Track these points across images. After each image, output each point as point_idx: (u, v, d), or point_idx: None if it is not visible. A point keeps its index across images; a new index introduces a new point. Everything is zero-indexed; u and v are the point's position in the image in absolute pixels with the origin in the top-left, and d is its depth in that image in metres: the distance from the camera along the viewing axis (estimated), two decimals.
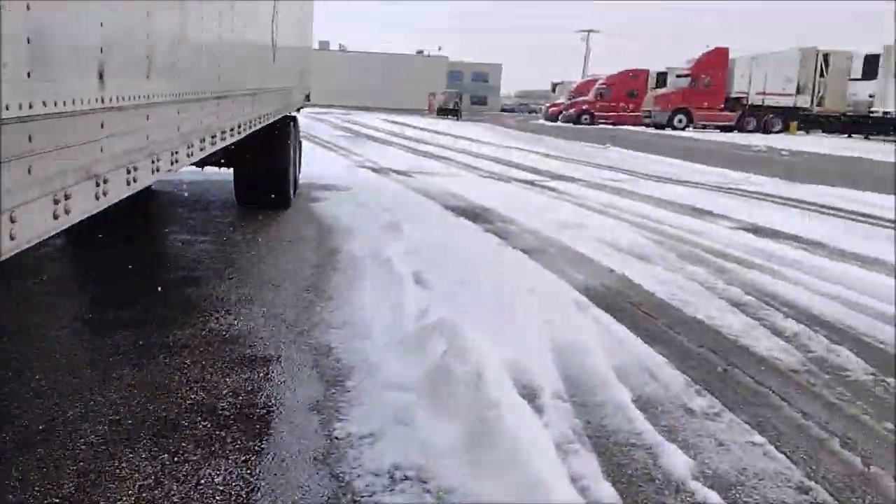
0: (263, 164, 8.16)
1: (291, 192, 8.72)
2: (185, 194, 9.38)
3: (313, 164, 12.36)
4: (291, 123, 8.66)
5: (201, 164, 8.34)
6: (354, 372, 3.62)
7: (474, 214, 8.74)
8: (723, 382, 3.72)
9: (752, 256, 6.85)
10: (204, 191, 9.64)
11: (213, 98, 2.95)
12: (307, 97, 11.59)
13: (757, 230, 8.27)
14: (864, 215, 9.90)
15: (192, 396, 3.27)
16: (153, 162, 2.49)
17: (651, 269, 6.13)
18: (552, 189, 11.51)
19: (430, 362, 3.54)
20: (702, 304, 5.12)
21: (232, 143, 7.83)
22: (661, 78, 47.76)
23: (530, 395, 3.39)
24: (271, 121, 6.18)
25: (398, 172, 13.01)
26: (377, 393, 3.33)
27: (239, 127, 3.84)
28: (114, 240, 6.38)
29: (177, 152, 2.35)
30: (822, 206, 10.60)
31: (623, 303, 5.12)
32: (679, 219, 8.91)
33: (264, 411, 3.16)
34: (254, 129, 4.80)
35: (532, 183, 12.32)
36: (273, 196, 8.35)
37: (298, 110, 10.97)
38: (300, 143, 10.40)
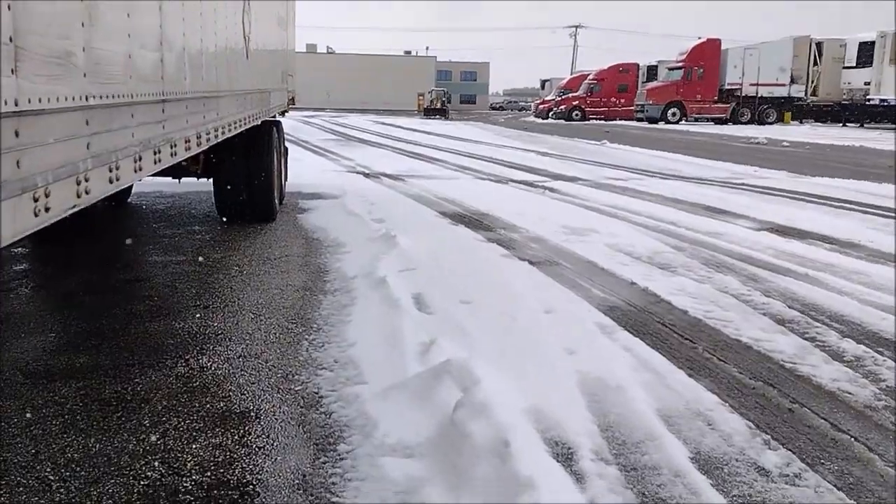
0: (244, 174, 7.51)
1: (276, 202, 8.08)
2: (166, 208, 8.72)
3: (301, 170, 11.72)
4: (274, 128, 8.01)
5: (177, 175, 7.72)
6: (348, 431, 2.98)
7: (473, 221, 8.11)
8: (792, 428, 3.09)
9: (783, 261, 6.24)
10: (186, 204, 8.99)
11: (154, 102, 2.35)
12: (291, 100, 10.94)
13: (780, 230, 7.66)
14: (888, 209, 9.31)
15: (149, 474, 2.62)
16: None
17: (676, 281, 5.51)
18: (553, 190, 10.89)
19: (441, 417, 2.91)
20: (743, 323, 4.50)
21: (201, 153, 7.24)
22: (653, 71, 47.29)
23: (566, 457, 2.76)
24: (245, 127, 5.52)
25: (390, 177, 12.37)
26: (377, 462, 2.69)
27: (198, 137, 3.20)
28: (77, 264, 5.72)
29: (87, 179, 1.75)
30: (842, 201, 10.01)
31: (653, 324, 4.50)
32: (694, 219, 8.30)
33: (237, 494, 2.51)
34: (220, 138, 4.17)
35: (531, 184, 11.69)
36: (256, 208, 7.70)
37: (283, 114, 10.32)
38: (286, 149, 9.75)
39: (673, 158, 16.97)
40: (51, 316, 4.52)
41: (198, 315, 4.51)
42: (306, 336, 4.15)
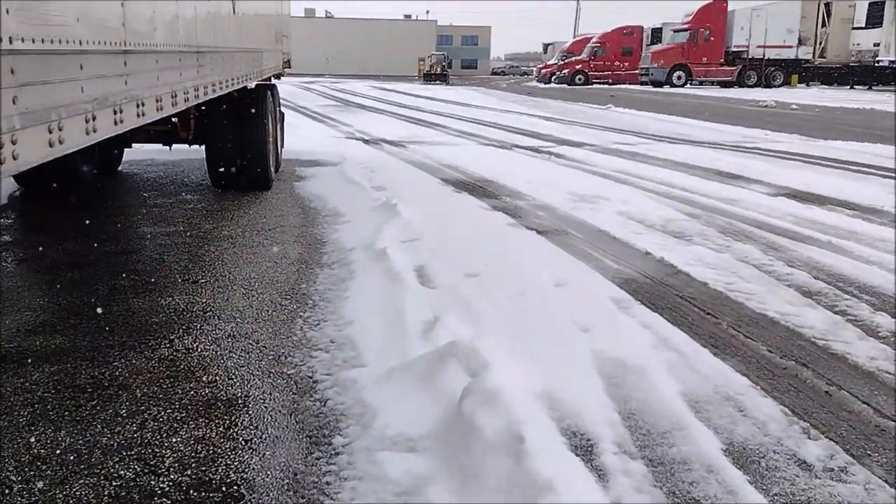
0: (238, 141, 7.18)
1: (272, 170, 7.75)
2: (157, 176, 8.40)
3: (299, 137, 11.38)
4: (269, 92, 7.65)
5: (168, 142, 7.39)
6: (345, 421, 2.71)
7: (477, 189, 7.78)
8: (832, 414, 2.82)
9: (804, 228, 5.94)
10: (179, 172, 8.66)
11: (112, 53, 2.03)
12: (287, 63, 10.54)
13: (798, 196, 7.34)
14: None
15: (122, 473, 2.35)
16: None
17: (693, 251, 5.21)
18: (559, 156, 10.53)
19: (447, 406, 2.63)
20: (767, 296, 4.21)
21: (191, 118, 6.90)
22: (657, 34, 46.37)
23: (586, 450, 2.49)
24: (232, 88, 5.17)
25: (391, 143, 12.00)
26: (376, 458, 2.42)
27: (174, 97, 2.87)
28: (62, 235, 5.42)
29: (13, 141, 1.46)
30: (860, 165, 9.66)
31: (672, 297, 4.21)
32: (707, 185, 7.97)
33: (219, 496, 2.25)
34: (201, 98, 3.83)
35: (536, 150, 11.33)
36: (251, 176, 7.38)
37: (278, 77, 9.93)
38: (282, 114, 9.39)
39: (681, 122, 16.55)
40: (29, 292, 4.23)
41: (185, 291, 4.22)
42: (301, 313, 3.87)
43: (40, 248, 5.16)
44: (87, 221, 5.93)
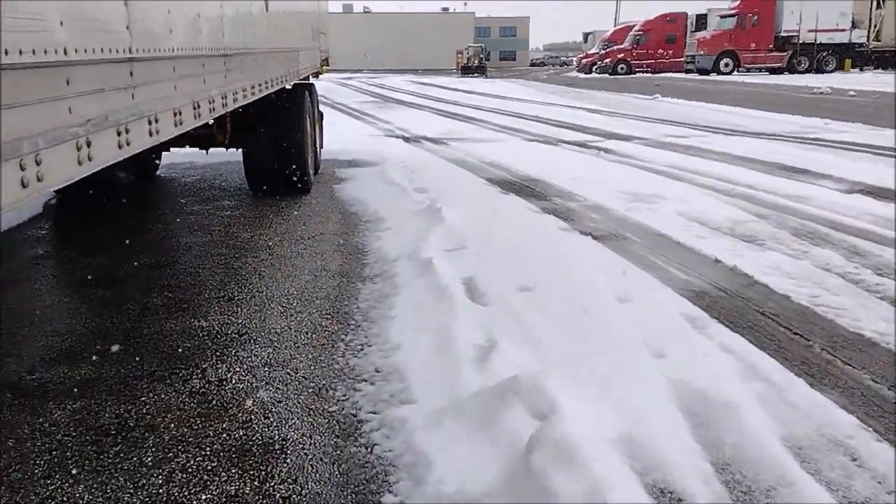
0: (275, 143, 6.91)
1: (311, 172, 7.48)
2: (195, 181, 8.21)
3: (338, 135, 11.09)
4: (307, 92, 7.36)
5: (205, 146, 7.16)
6: (395, 473, 2.38)
7: (524, 189, 7.40)
8: None
9: (886, 229, 5.42)
10: (217, 176, 8.46)
11: (115, 62, 1.73)
12: (325, 60, 10.27)
13: (874, 192, 6.78)
14: None
15: None
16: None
17: (768, 257, 4.76)
18: (608, 151, 10.06)
19: (512, 458, 2.29)
20: (860, 311, 3.76)
21: (228, 122, 6.65)
22: (702, 20, 45.07)
23: None
24: (265, 93, 4.87)
25: (431, 140, 11.67)
26: None
27: (196, 108, 2.53)
28: (96, 246, 5.21)
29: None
30: None
31: (752, 314, 3.79)
32: (772, 181, 7.45)
33: None
34: (228, 107, 3.52)
35: (584, 144, 10.87)
36: (289, 179, 7.11)
37: (316, 76, 9.67)
38: (321, 114, 9.11)
39: (733, 112, 15.86)
40: (57, 313, 4.00)
41: (220, 310, 3.95)
42: (342, 336, 3.56)
43: (72, 263, 4.95)
44: (122, 231, 5.72)
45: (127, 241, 5.42)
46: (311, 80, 8.85)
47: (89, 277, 4.57)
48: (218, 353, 3.37)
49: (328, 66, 10.62)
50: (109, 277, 4.56)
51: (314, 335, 3.58)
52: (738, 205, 6.34)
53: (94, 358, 3.31)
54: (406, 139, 11.90)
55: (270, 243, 5.37)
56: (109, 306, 4.02)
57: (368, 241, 5.37)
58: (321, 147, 9.02)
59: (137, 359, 3.30)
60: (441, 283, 4.14)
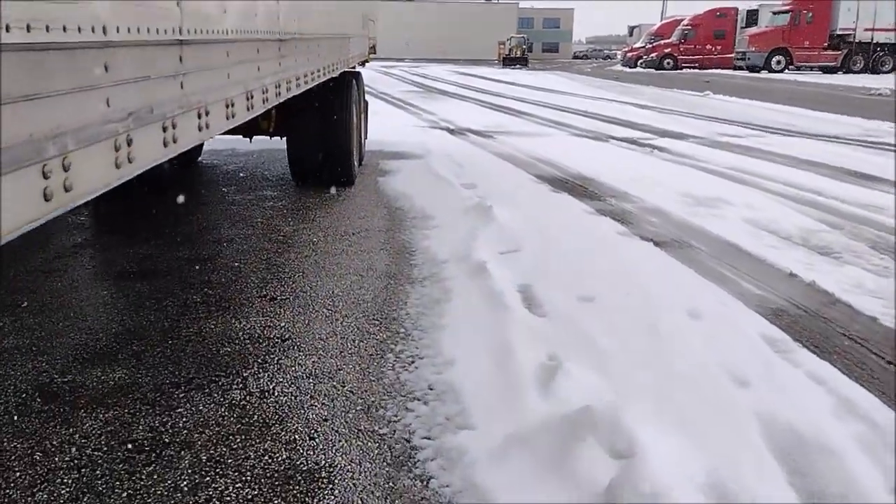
0: (320, 133, 6.70)
1: (356, 164, 7.25)
2: (237, 169, 8.05)
3: (382, 125, 10.87)
4: (353, 81, 7.13)
5: (248, 133, 6.97)
6: None
7: (577, 188, 7.08)
8: None
9: None
10: (260, 164, 8.30)
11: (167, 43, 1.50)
12: (373, 48, 10.03)
13: None
14: None
15: None
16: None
17: (847, 272, 4.40)
18: (662, 149, 9.66)
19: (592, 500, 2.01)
20: None
21: (272, 109, 6.45)
22: (752, 16, 43.91)
23: None
24: (318, 81, 4.63)
25: (477, 133, 11.38)
26: None
27: (230, 107, 2.25)
28: (136, 236, 5.05)
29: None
30: None
31: (837, 337, 3.45)
32: (841, 188, 7.01)
33: None
34: (282, 97, 3.29)
35: (635, 142, 10.48)
36: (333, 170, 6.90)
37: (363, 64, 9.43)
38: (366, 103, 8.89)
39: (789, 111, 15.25)
40: (93, 308, 3.83)
41: (262, 310, 3.73)
42: (391, 346, 3.31)
43: (111, 253, 4.79)
44: (162, 221, 5.56)
45: (167, 231, 5.25)
46: (358, 68, 8.63)
47: (128, 269, 4.40)
48: (260, 361, 3.15)
49: (375, 53, 10.39)
50: (149, 270, 4.38)
51: (361, 343, 3.34)
52: (808, 212, 5.94)
53: (129, 361, 3.11)
54: (451, 131, 11.63)
55: (314, 238, 5.15)
56: (147, 302, 3.83)
57: (416, 240, 5.12)
58: (366, 137, 8.80)
59: (175, 363, 3.10)
60: (496, 290, 3.88)
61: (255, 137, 7.35)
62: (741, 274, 4.39)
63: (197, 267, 4.45)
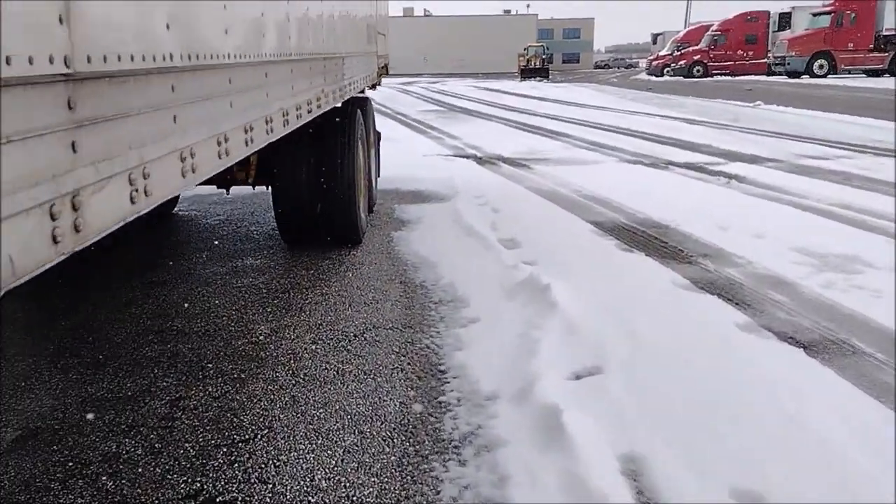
0: (315, 179, 5.13)
1: (363, 215, 5.64)
2: (218, 223, 6.50)
3: (399, 154, 9.29)
4: (358, 111, 5.52)
5: (225, 184, 5.40)
6: None
7: (652, 241, 5.41)
8: None
9: None
10: (247, 215, 6.75)
11: None
12: (384, 68, 8.45)
13: None
14: None
15: None
16: None
17: None
18: (739, 179, 7.93)
19: None
20: None
21: (252, 156, 4.85)
22: (785, 19, 41.98)
23: None
24: (282, 133, 3.00)
25: (510, 162, 9.74)
26: None
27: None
28: (41, 350, 3.47)
29: None
30: None
31: None
32: None
33: None
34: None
35: (701, 168, 8.77)
36: (333, 227, 5.32)
37: (373, 87, 7.86)
38: (378, 135, 7.29)
39: (861, 123, 13.41)
40: None
41: None
42: None
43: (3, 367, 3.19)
44: (85, 316, 3.99)
45: (95, 334, 3.66)
46: (367, 93, 7.06)
47: (11, 418, 2.80)
48: None
49: (387, 73, 8.81)
50: (36, 430, 2.78)
51: None
52: None
53: None
54: (479, 160, 10.00)
55: (295, 350, 3.53)
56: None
57: (445, 349, 3.49)
58: (378, 176, 7.20)
59: None
60: (583, 476, 2.25)
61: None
62: None
63: (106, 419, 2.84)
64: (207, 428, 2.78)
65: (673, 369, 3.13)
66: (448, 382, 3.14)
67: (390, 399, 3.00)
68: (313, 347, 3.57)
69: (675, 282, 4.41)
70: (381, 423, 2.79)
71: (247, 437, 2.71)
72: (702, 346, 3.40)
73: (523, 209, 6.64)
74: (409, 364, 3.35)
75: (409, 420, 2.81)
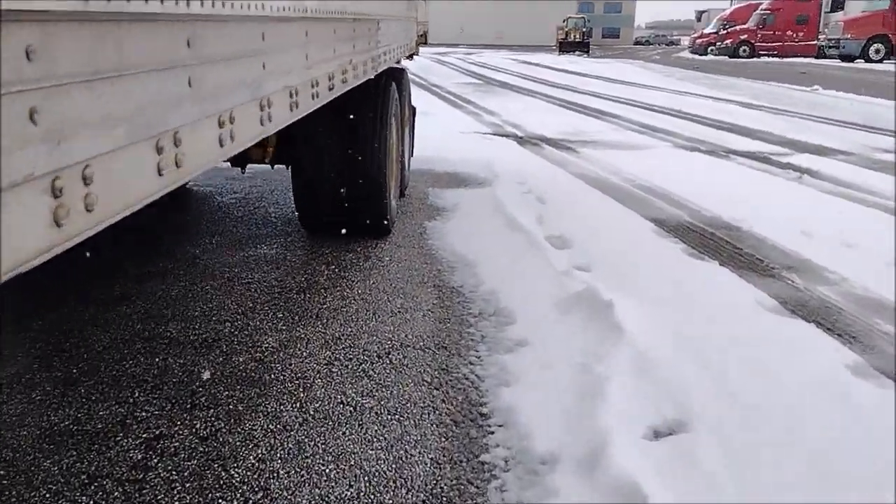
0: (341, 160, 4.49)
1: (393, 202, 5.00)
2: (235, 202, 5.91)
3: (434, 130, 8.60)
4: (394, 84, 4.85)
5: (238, 163, 4.79)
6: None
7: (724, 247, 4.70)
8: None
9: None
10: (265, 194, 6.15)
11: None
12: (423, 36, 7.73)
13: None
14: None
15: None
16: None
17: None
18: (812, 173, 7.12)
19: None
20: None
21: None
22: (839, 1, 40.13)
23: None
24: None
25: (553, 144, 9.01)
26: None
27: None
28: (27, 358, 2.90)
29: None
30: None
31: None
32: None
33: None
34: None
35: (766, 159, 7.97)
36: (360, 216, 4.68)
37: (410, 57, 7.15)
38: (413, 110, 6.61)
39: None
40: None
41: None
42: None
43: None
44: (80, 308, 3.41)
45: (83, 335, 3.09)
46: (404, 63, 6.36)
47: None
48: None
49: (425, 42, 8.10)
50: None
51: None
52: None
53: None
54: (520, 140, 9.28)
55: (305, 371, 2.92)
56: None
57: (487, 382, 2.85)
58: (411, 155, 6.54)
59: None
60: None
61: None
62: None
63: (88, 458, 2.26)
64: (186, 486, 2.19)
65: (777, 429, 2.47)
66: (493, 433, 2.50)
67: (419, 454, 2.37)
68: (327, 370, 2.95)
69: (761, 302, 3.71)
70: (406, 493, 2.17)
71: (240, 485, 2.11)
72: (809, 396, 2.72)
73: (571, 200, 5.94)
74: (442, 402, 2.72)
75: (441, 490, 2.19)
